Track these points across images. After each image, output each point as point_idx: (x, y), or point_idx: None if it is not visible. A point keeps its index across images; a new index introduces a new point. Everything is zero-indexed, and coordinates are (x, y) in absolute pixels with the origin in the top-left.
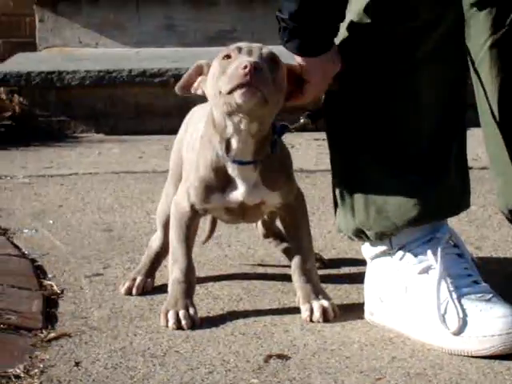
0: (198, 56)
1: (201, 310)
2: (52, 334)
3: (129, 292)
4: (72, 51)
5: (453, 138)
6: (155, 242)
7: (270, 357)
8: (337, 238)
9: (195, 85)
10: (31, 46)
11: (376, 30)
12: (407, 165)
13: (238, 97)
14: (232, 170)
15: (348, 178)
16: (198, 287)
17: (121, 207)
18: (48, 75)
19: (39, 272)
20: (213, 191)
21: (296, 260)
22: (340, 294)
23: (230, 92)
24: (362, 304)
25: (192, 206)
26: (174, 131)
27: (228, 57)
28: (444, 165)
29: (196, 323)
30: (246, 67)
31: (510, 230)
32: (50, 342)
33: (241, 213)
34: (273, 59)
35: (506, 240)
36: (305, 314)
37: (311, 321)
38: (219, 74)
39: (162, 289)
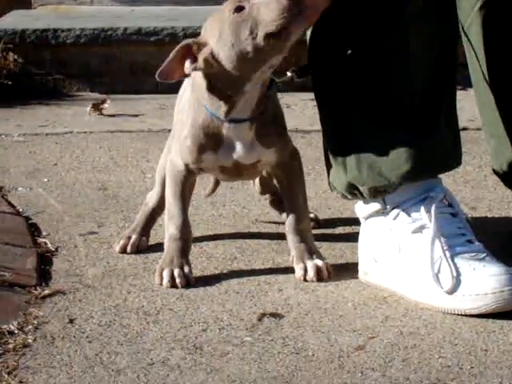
0: (193, 15)
1: (195, 269)
2: (46, 291)
3: (123, 250)
4: (67, 9)
5: (443, 96)
6: (151, 198)
7: (263, 315)
8: (331, 197)
9: (187, 66)
10: (26, 4)
11: None
12: (398, 121)
13: (296, 29)
14: (227, 130)
15: (339, 136)
16: (192, 246)
17: (116, 166)
18: (43, 33)
19: (33, 230)
20: (205, 151)
21: (290, 219)
22: (334, 253)
23: (279, 31)
24: (356, 264)
25: (186, 165)
26: (169, 91)
27: (240, 8)
28: (435, 122)
29: (191, 282)
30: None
31: (506, 190)
32: (44, 299)
33: (236, 172)
34: None
35: (502, 201)
36: (299, 273)
37: (305, 280)
38: (244, 27)
39: (157, 247)
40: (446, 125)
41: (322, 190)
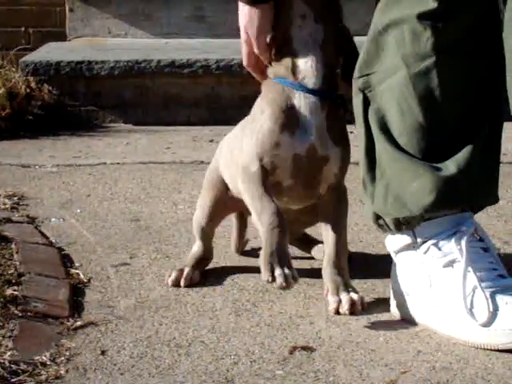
0: (226, 47)
1: (226, 301)
2: (78, 323)
3: (176, 283)
4: (101, 41)
5: (477, 130)
6: (197, 248)
7: (294, 348)
8: (364, 230)
9: None
10: (61, 36)
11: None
12: (427, 154)
13: None
14: (298, 99)
15: (371, 166)
16: (224, 277)
17: (148, 197)
18: (77, 65)
19: (66, 261)
20: (284, 130)
21: (330, 252)
22: (366, 287)
23: None
24: (388, 298)
25: (261, 163)
26: (201, 122)
27: None
28: (465, 156)
29: (296, 279)
30: None
31: None
32: (76, 331)
33: (305, 170)
34: None
35: None
36: (333, 305)
37: (337, 313)
38: None
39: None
40: (481, 160)
41: (354, 222)
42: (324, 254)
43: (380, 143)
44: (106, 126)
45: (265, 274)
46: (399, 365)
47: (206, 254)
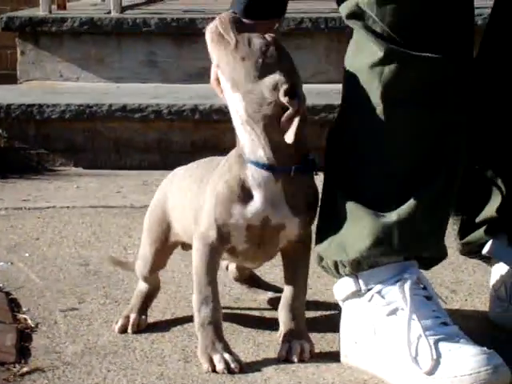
0: (179, 92)
1: (175, 347)
2: (25, 369)
3: (123, 330)
4: (53, 85)
5: (424, 183)
6: (142, 288)
7: None
8: (313, 278)
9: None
10: (12, 79)
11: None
12: (374, 200)
13: None
14: (251, 174)
15: (323, 210)
16: (173, 323)
17: (97, 241)
18: (28, 108)
19: (14, 305)
20: (235, 201)
21: (288, 295)
22: (315, 335)
23: None
24: (337, 346)
25: (218, 232)
26: (152, 167)
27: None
28: (410, 207)
29: (242, 366)
30: None
31: (485, 274)
32: (23, 377)
33: (260, 236)
34: None
35: (482, 284)
36: (282, 351)
37: (287, 360)
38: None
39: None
40: (427, 212)
41: None
42: (283, 295)
43: (331, 186)
44: (56, 169)
45: (205, 366)
46: None
47: (152, 291)
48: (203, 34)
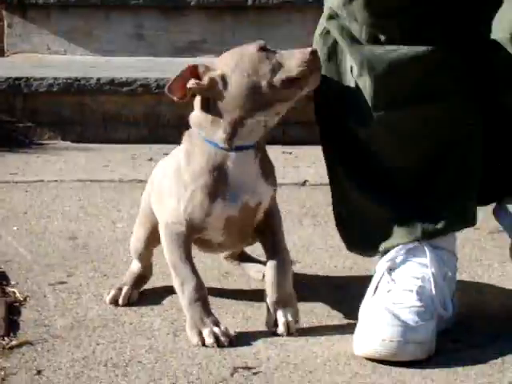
0: (167, 66)
1: (165, 321)
2: (14, 342)
3: (114, 302)
4: (40, 58)
5: (437, 175)
6: (136, 267)
7: (235, 369)
8: (301, 252)
9: (191, 82)
10: None
11: None
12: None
13: (311, 81)
14: (232, 162)
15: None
16: (163, 297)
17: (86, 215)
18: (15, 81)
19: (2, 279)
20: (215, 197)
21: (273, 262)
22: (303, 308)
23: (293, 80)
24: (326, 320)
25: (188, 224)
26: (140, 140)
27: (264, 49)
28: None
29: (232, 339)
30: (314, 53)
31: None
32: (11, 350)
33: (239, 225)
34: None
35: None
36: (269, 322)
37: (273, 329)
38: (263, 64)
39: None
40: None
41: (292, 243)
42: (267, 265)
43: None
44: (44, 142)
45: (193, 340)
46: None
47: (145, 273)
48: (191, 8)
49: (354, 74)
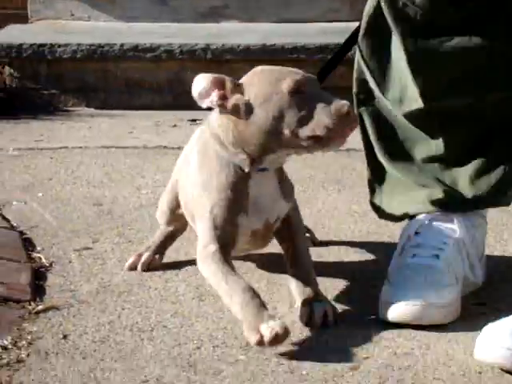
0: (190, 32)
1: (190, 286)
2: (40, 307)
3: (133, 267)
4: (64, 24)
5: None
6: (160, 231)
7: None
8: (327, 216)
9: (215, 99)
10: (23, 18)
11: None
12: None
13: (333, 145)
14: (254, 181)
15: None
16: (187, 262)
17: (110, 182)
18: (39, 48)
19: (28, 244)
20: (238, 213)
21: (295, 261)
22: (327, 271)
23: (318, 137)
24: (349, 282)
25: (219, 241)
26: (164, 106)
27: (299, 91)
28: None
29: (288, 333)
30: (350, 112)
31: None
32: (37, 315)
33: (262, 234)
34: None
35: None
36: (303, 317)
37: (309, 323)
38: (291, 112)
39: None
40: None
41: (317, 209)
42: (288, 264)
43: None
44: (68, 109)
45: (251, 339)
46: (361, 351)
47: (175, 232)
48: None
49: (402, 62)
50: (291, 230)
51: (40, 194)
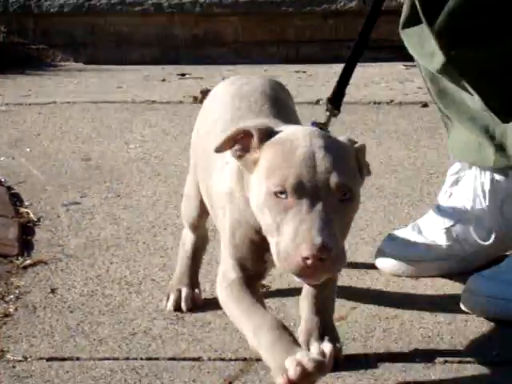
0: None
1: (178, 239)
2: (28, 261)
3: (178, 307)
4: None
5: None
6: (187, 239)
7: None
8: None
9: (235, 149)
10: None
11: None
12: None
13: (298, 279)
14: None
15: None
16: (175, 215)
17: (99, 136)
18: (26, 2)
19: (15, 200)
20: (267, 249)
21: (310, 289)
22: None
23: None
24: None
25: (243, 272)
26: (153, 61)
27: (282, 193)
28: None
29: (321, 367)
30: (307, 258)
31: None
32: (25, 269)
33: None
34: (348, 189)
35: None
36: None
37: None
38: (273, 219)
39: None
40: None
41: None
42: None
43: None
44: (57, 64)
45: (278, 380)
46: (349, 301)
47: (201, 244)
48: None
49: None
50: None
51: (28, 150)
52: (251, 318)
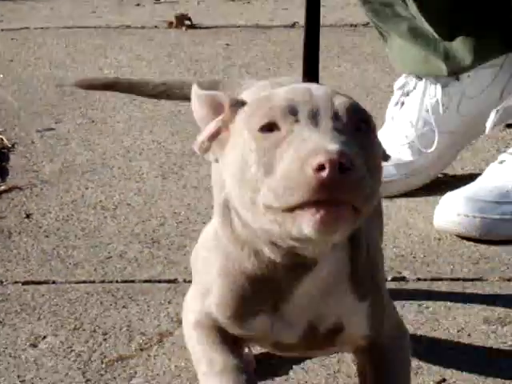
0: None
1: (153, 164)
2: (3, 187)
3: None
4: None
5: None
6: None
7: None
8: None
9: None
10: None
11: None
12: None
13: (305, 226)
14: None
15: None
16: (151, 138)
17: (73, 62)
18: None
19: None
20: (256, 314)
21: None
22: None
23: (291, 210)
24: None
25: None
26: None
27: (270, 128)
28: None
29: None
30: (322, 168)
31: None
32: (0, 195)
33: (303, 346)
34: (361, 118)
35: None
36: None
37: None
38: (258, 163)
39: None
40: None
41: None
42: None
43: None
44: None
45: None
46: None
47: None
48: None
49: None
50: (375, 357)
51: (1, 76)
52: (208, 361)
